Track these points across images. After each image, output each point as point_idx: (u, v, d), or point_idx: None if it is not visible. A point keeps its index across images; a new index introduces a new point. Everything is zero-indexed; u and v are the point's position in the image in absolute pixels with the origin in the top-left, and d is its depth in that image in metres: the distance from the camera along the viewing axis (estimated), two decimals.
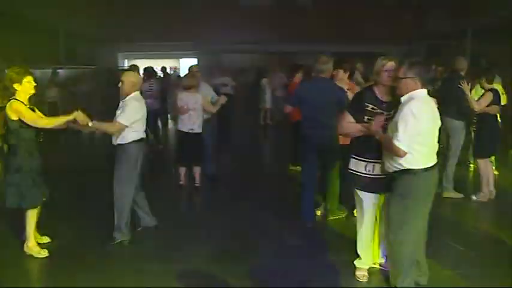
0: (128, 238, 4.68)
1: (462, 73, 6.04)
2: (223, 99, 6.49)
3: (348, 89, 5.15)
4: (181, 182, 6.62)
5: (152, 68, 10.12)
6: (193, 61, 20.61)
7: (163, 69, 16.05)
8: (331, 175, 5.29)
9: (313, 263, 4.28)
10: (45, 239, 4.66)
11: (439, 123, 3.43)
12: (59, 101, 12.09)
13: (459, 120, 5.97)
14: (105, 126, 4.60)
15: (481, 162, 6.09)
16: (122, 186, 4.60)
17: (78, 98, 13.67)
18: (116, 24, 17.23)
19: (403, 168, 3.35)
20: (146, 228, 4.99)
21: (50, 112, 6.91)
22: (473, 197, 6.10)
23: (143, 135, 4.72)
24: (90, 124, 4.36)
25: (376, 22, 17.47)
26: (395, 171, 3.41)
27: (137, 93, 4.67)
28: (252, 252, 4.52)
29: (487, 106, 5.79)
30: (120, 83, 4.64)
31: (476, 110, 5.78)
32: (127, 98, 4.59)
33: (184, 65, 24.92)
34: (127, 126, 4.49)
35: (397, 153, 3.30)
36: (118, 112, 4.56)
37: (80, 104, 13.20)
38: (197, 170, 6.57)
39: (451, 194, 6.14)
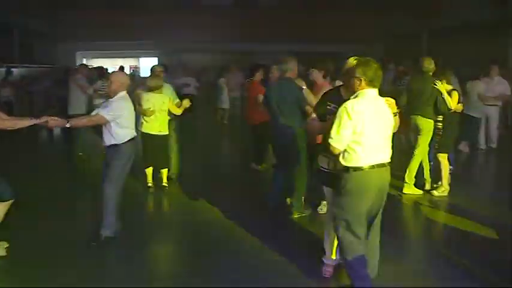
0: (116, 235, 4.64)
1: (430, 73, 6.19)
2: (187, 103, 6.40)
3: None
4: (149, 184, 6.50)
5: (103, 67, 9.92)
6: (154, 60, 20.38)
7: (121, 68, 15.72)
8: (296, 173, 5.35)
9: (278, 261, 4.25)
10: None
11: (386, 123, 3.37)
12: (14, 100, 11.69)
13: (431, 119, 6.11)
14: (84, 121, 4.68)
15: (443, 157, 6.30)
16: (113, 185, 4.56)
17: (33, 97, 13.26)
18: (74, 22, 16.81)
19: (342, 165, 3.37)
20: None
21: (4, 112, 6.66)
22: (435, 193, 6.27)
23: (135, 134, 4.72)
24: (68, 125, 4.40)
25: (338, 22, 17.75)
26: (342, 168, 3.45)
27: (124, 92, 4.63)
28: (216, 252, 4.48)
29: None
30: (109, 82, 4.66)
31: (452, 109, 5.98)
32: (114, 97, 4.58)
33: (145, 64, 24.61)
34: (108, 121, 4.46)
35: (330, 149, 3.35)
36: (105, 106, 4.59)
37: (36, 103, 12.88)
38: (164, 171, 6.49)
39: (410, 190, 6.29)
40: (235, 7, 18.27)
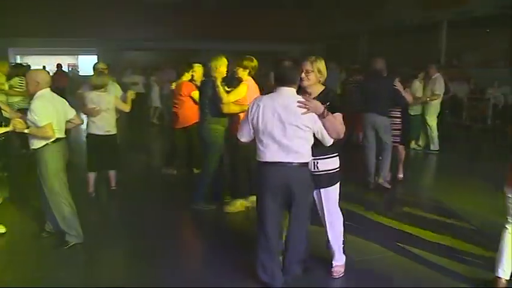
0: (81, 241, 4.46)
1: (383, 73, 6.41)
2: (131, 94, 6.24)
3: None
4: (91, 189, 6.16)
5: (22, 64, 9.43)
6: (93, 58, 19.80)
7: (59, 66, 15.28)
8: (204, 168, 5.52)
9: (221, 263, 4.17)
10: None
11: (289, 122, 3.32)
12: None
13: (386, 116, 6.32)
14: (36, 131, 4.21)
15: (403, 148, 6.87)
16: (52, 191, 4.33)
17: None
18: (6, 16, 16.00)
19: None
20: (51, 233, 4.64)
21: None
22: (400, 175, 6.92)
23: (60, 135, 4.40)
24: (26, 131, 4.15)
25: (279, 22, 17.98)
26: None
27: (43, 91, 4.31)
28: (153, 254, 4.37)
29: None
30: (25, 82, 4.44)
31: (410, 104, 6.75)
32: (33, 98, 4.28)
33: (84, 62, 23.86)
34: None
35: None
36: (30, 116, 4.19)
37: None
38: (113, 173, 6.27)
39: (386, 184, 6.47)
40: (178, 5, 18.04)
